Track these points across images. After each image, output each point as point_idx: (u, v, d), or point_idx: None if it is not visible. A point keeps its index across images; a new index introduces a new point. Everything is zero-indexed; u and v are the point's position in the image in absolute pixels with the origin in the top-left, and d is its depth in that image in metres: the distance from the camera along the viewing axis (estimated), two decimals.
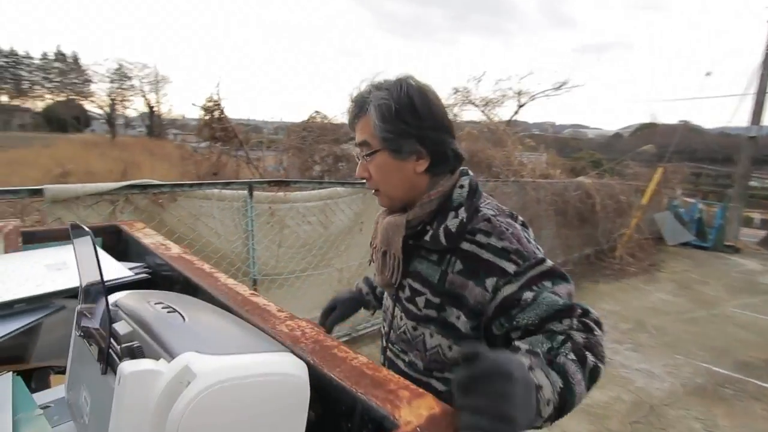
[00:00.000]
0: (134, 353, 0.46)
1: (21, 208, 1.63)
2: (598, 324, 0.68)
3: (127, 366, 0.43)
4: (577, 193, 5.99)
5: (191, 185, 1.99)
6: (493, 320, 0.71)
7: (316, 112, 6.56)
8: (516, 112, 9.43)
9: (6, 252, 1.23)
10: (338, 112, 6.45)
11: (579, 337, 0.63)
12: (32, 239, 1.29)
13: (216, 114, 5.06)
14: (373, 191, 0.84)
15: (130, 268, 1.12)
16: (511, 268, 0.69)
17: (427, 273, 0.78)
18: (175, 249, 1.21)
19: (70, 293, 0.92)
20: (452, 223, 0.75)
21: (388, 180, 0.79)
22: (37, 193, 1.59)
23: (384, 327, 0.95)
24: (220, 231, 2.16)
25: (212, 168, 5.19)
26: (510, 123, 8.94)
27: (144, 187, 1.84)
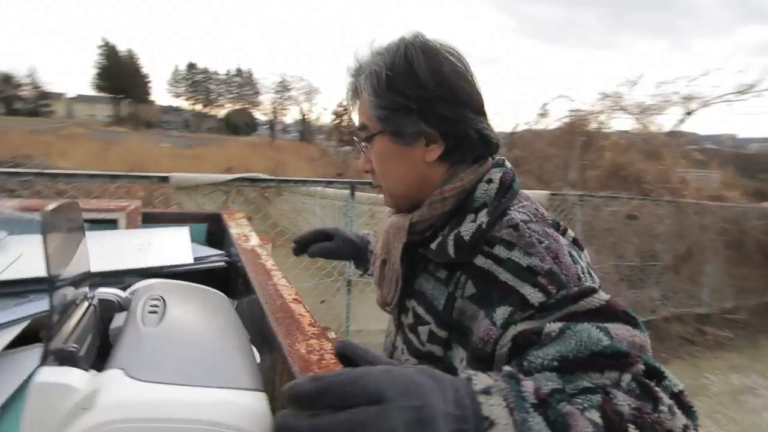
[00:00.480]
0: (65, 358, 0.39)
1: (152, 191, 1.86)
2: (682, 403, 0.39)
3: (41, 373, 0.36)
4: (762, 222, 4.69)
5: (296, 181, 2.05)
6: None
7: None
8: (681, 121, 7.89)
9: (126, 228, 1.39)
10: None
11: (625, 401, 0.36)
12: (151, 219, 1.43)
13: (344, 119, 5.34)
14: (378, 188, 0.68)
15: (209, 256, 1.14)
16: (535, 296, 0.47)
17: (433, 295, 0.60)
18: (253, 241, 1.20)
19: (142, 273, 0.94)
20: (467, 228, 0.56)
21: (389, 172, 0.63)
22: (165, 180, 1.78)
23: None
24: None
25: (338, 168, 5.49)
26: (672, 133, 7.52)
27: (253, 181, 1.94)
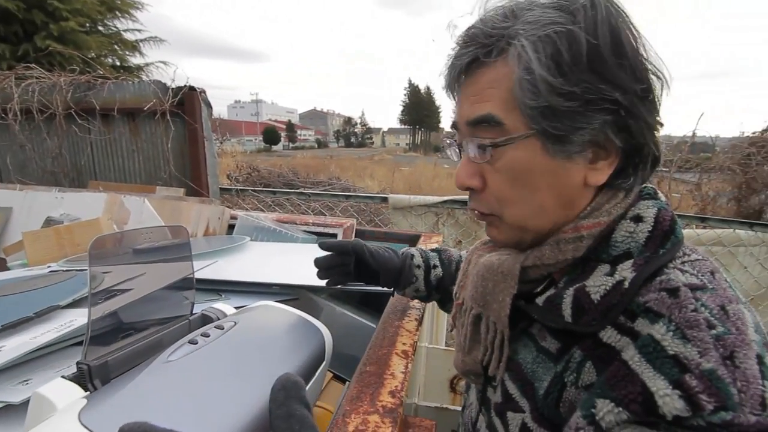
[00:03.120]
0: (78, 374, 0.43)
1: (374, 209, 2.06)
2: None
3: (47, 386, 0.41)
4: None
5: None
6: None
7: None
8: None
9: None
10: None
11: None
12: (362, 236, 1.59)
13: None
14: (477, 214, 0.48)
15: None
16: (670, 403, 0.30)
17: (533, 372, 0.44)
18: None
19: (313, 289, 1.03)
20: (598, 284, 0.39)
21: (526, 195, 0.43)
22: (385, 200, 1.95)
23: None
24: None
25: None
26: None
27: (463, 203, 1.88)
